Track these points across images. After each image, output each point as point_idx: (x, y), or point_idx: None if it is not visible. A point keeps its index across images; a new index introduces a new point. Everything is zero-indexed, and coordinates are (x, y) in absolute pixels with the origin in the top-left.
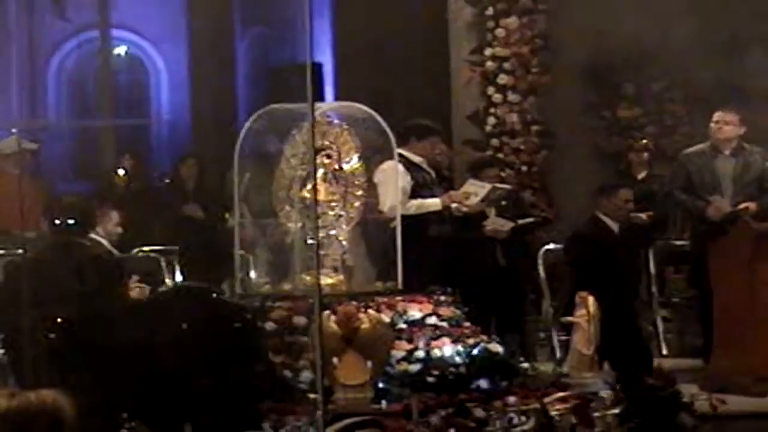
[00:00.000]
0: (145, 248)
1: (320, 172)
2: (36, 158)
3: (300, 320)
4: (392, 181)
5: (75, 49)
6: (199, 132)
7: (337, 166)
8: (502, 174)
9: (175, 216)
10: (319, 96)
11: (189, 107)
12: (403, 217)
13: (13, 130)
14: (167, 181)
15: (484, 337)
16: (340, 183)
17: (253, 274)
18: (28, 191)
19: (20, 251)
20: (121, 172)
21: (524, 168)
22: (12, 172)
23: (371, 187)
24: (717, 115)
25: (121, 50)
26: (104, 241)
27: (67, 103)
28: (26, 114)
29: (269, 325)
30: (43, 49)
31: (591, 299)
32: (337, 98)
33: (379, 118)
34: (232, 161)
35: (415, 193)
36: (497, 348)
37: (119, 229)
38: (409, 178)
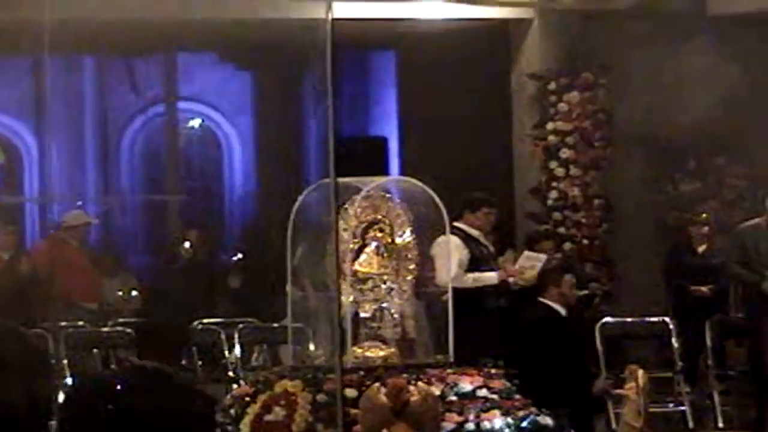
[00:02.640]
0: (205, 321)
1: (373, 245)
2: (101, 231)
3: (350, 392)
4: (449, 255)
5: (148, 121)
6: (265, 204)
7: (389, 240)
8: (565, 247)
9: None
10: (383, 169)
11: (257, 180)
12: (460, 290)
13: (78, 203)
14: (237, 257)
15: (534, 410)
16: (393, 256)
17: (312, 347)
18: (91, 264)
19: (80, 323)
20: (186, 245)
21: (585, 241)
22: (75, 245)
23: (425, 261)
24: None
25: (195, 123)
26: None
27: (138, 176)
28: (99, 186)
29: (320, 397)
30: (116, 121)
31: (640, 372)
32: (401, 171)
33: (432, 192)
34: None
35: (472, 267)
36: (547, 420)
37: None
38: (466, 251)
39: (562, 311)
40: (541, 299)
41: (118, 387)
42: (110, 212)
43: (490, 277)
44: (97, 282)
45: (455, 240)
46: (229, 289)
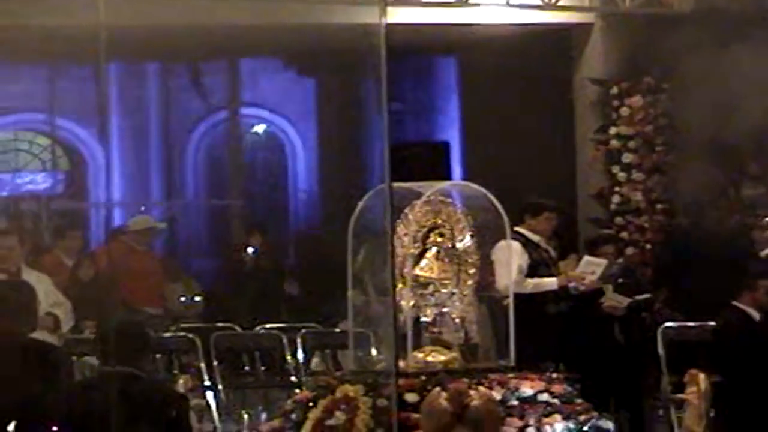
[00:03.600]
0: (268, 325)
1: (434, 250)
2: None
3: (411, 397)
4: (510, 260)
5: (212, 127)
6: (327, 210)
7: (450, 245)
8: (627, 251)
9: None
10: (446, 174)
11: (320, 185)
12: (521, 295)
13: (142, 208)
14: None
15: (595, 414)
16: (453, 261)
17: (373, 351)
18: (155, 269)
19: None
20: (250, 250)
21: (648, 246)
22: (140, 249)
23: (485, 266)
24: None
25: (259, 128)
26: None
27: (202, 181)
28: (164, 192)
29: (381, 402)
30: (181, 127)
31: (702, 376)
32: (464, 177)
33: (492, 197)
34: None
35: (533, 272)
36: (608, 425)
37: None
38: (527, 256)
39: (756, 315)
40: (736, 303)
41: (89, 393)
42: (174, 217)
43: (551, 282)
44: (161, 287)
45: (516, 245)
46: (291, 294)
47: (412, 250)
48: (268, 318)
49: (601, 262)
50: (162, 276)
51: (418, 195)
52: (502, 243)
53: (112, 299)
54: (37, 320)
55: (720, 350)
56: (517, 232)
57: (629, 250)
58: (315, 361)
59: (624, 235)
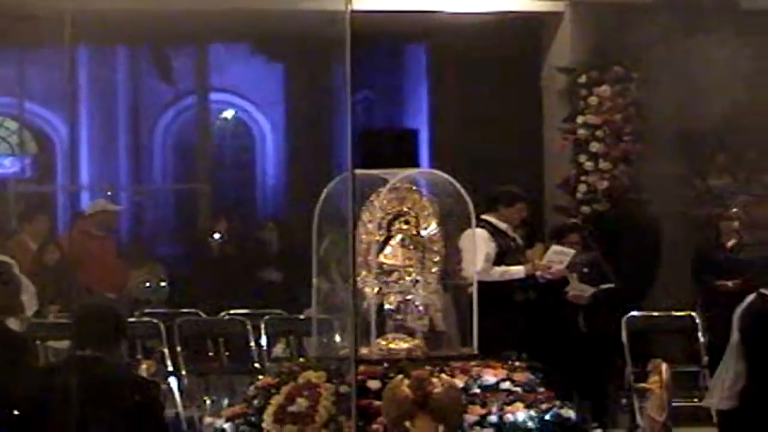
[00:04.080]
0: (232, 311)
1: (398, 237)
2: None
3: (374, 384)
4: (477, 248)
5: (180, 112)
6: (294, 196)
7: (414, 232)
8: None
9: (254, 280)
10: (414, 161)
11: (289, 170)
12: (487, 283)
13: (108, 193)
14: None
15: (557, 403)
16: (418, 248)
17: (337, 338)
18: (112, 253)
19: None
20: (216, 236)
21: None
22: (98, 234)
23: (451, 253)
24: None
25: (228, 114)
26: None
27: (170, 167)
28: (131, 177)
29: (344, 388)
30: (149, 112)
31: (664, 366)
32: (431, 164)
33: (458, 185)
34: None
35: (500, 260)
36: (570, 413)
37: None
38: (494, 244)
39: None
40: (764, 291)
41: (52, 378)
42: (141, 203)
43: (518, 270)
44: (122, 272)
45: (483, 233)
46: (272, 280)
47: (376, 237)
48: (240, 304)
49: (569, 252)
50: (120, 261)
51: (384, 182)
52: (469, 231)
53: (74, 284)
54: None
55: (747, 337)
56: (485, 220)
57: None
58: (279, 348)
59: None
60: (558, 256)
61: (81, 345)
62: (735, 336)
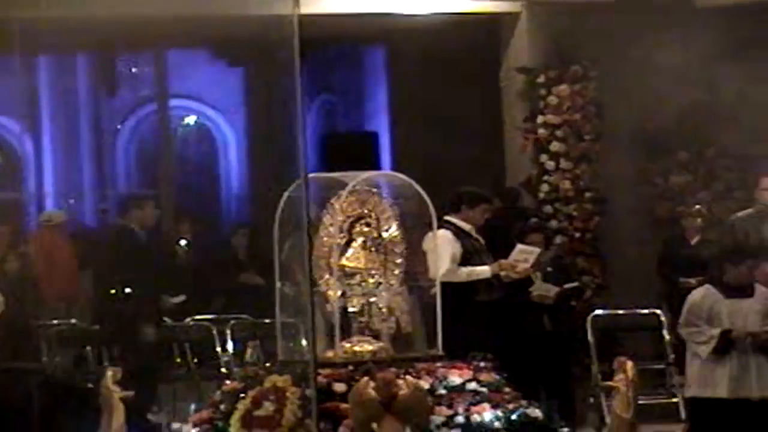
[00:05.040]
0: (198, 317)
1: (360, 240)
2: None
3: (340, 387)
4: (440, 249)
5: (142, 120)
6: (259, 200)
7: (376, 234)
8: (556, 240)
9: (228, 285)
10: (375, 163)
11: (252, 175)
12: (451, 285)
13: (71, 201)
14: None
15: (524, 402)
16: (380, 251)
17: (304, 342)
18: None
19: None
20: (182, 242)
21: (577, 234)
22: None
23: (414, 255)
24: (765, 182)
25: (190, 120)
26: None
27: (134, 174)
28: (95, 184)
29: (309, 392)
30: (111, 120)
31: (629, 363)
32: (392, 166)
33: (418, 187)
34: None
35: (464, 261)
36: (536, 413)
37: None
38: (459, 245)
39: None
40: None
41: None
42: (105, 210)
43: (483, 270)
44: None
45: (447, 234)
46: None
47: (338, 240)
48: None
49: (534, 250)
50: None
51: (344, 185)
52: (433, 232)
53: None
54: None
55: None
56: (448, 222)
57: (558, 239)
58: (249, 352)
59: (552, 223)
60: (522, 255)
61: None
62: None
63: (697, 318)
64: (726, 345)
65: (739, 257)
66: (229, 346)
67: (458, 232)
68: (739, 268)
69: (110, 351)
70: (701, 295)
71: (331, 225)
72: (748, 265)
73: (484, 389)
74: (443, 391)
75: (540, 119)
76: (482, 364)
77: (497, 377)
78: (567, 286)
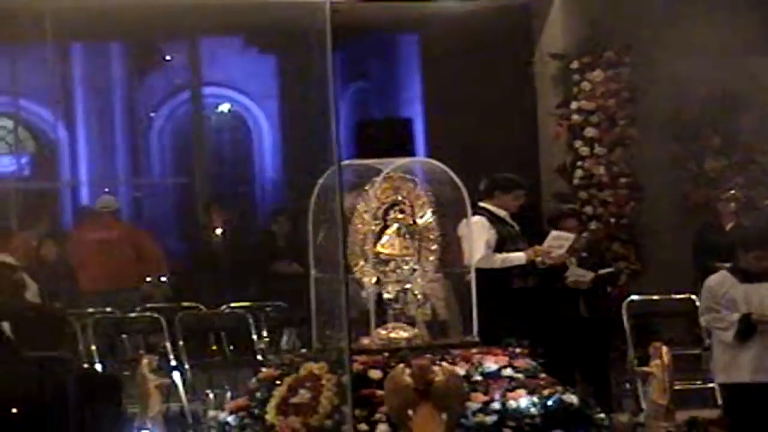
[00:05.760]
0: (233, 305)
1: (394, 226)
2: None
3: (375, 374)
4: (476, 236)
5: (176, 107)
6: (294, 188)
7: (410, 221)
8: (591, 226)
9: (265, 273)
10: (409, 150)
11: (286, 163)
12: (488, 271)
13: (106, 189)
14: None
15: (560, 388)
16: (414, 238)
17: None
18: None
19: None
20: (218, 231)
21: (612, 220)
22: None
23: (449, 242)
24: None
25: (224, 107)
26: None
27: (168, 162)
28: (129, 173)
29: (345, 379)
30: (145, 108)
31: (665, 349)
32: (427, 153)
33: (452, 173)
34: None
35: (499, 247)
36: (572, 399)
37: None
38: (494, 231)
39: None
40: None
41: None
42: (140, 198)
43: (518, 257)
44: (127, 268)
45: (482, 220)
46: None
47: (372, 227)
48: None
49: (569, 236)
50: (125, 257)
51: (378, 172)
52: (471, 218)
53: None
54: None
55: None
56: (483, 208)
57: (592, 225)
58: (284, 340)
59: (588, 209)
60: (557, 241)
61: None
62: None
63: (715, 304)
64: (748, 329)
65: (757, 243)
66: (265, 333)
67: (493, 218)
68: (756, 253)
69: (146, 339)
70: (717, 281)
71: (366, 212)
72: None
73: (519, 375)
74: (479, 378)
75: (574, 105)
76: (518, 350)
77: (533, 363)
78: (602, 271)
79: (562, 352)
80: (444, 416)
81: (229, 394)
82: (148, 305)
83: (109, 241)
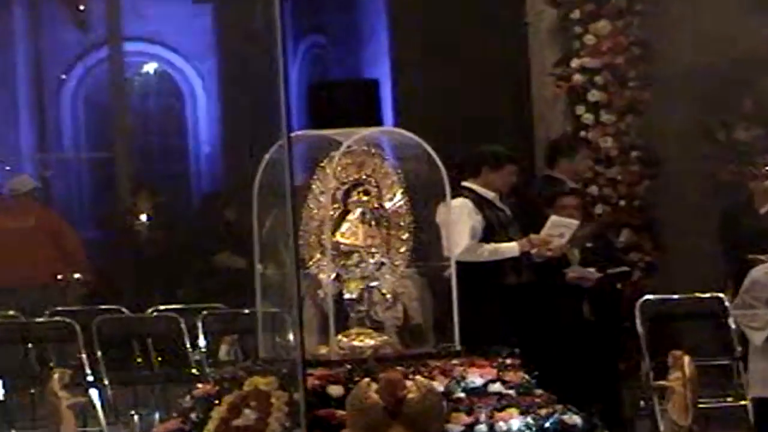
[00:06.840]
0: (162, 307)
1: (357, 211)
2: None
3: (335, 390)
4: (459, 222)
5: (92, 67)
6: (233, 163)
7: (376, 205)
8: (597, 209)
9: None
10: (375, 118)
11: (225, 134)
12: (472, 265)
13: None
14: None
15: (559, 407)
16: (382, 225)
17: (291, 336)
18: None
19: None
20: (144, 217)
21: (623, 202)
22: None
23: (423, 230)
24: None
25: (151, 68)
26: None
27: (83, 133)
28: (35, 145)
29: (298, 397)
30: (55, 68)
31: (687, 359)
32: (396, 121)
33: (427, 146)
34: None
35: (487, 235)
36: (575, 420)
37: None
38: (480, 217)
39: None
40: None
41: None
42: (48, 177)
43: (510, 248)
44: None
45: (466, 203)
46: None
47: (330, 212)
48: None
49: (571, 223)
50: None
51: (338, 145)
52: (450, 201)
53: None
54: None
55: None
56: (467, 188)
57: (598, 208)
58: (223, 349)
59: (592, 189)
60: (557, 229)
61: None
62: None
63: (755, 299)
64: None
65: None
66: (201, 341)
67: (479, 200)
68: None
69: (57, 349)
70: (765, 271)
71: (322, 193)
72: None
73: (510, 391)
74: (461, 395)
75: (575, 63)
76: (508, 361)
77: (526, 377)
78: (611, 271)
79: (562, 363)
80: None
81: (157, 416)
82: (59, 308)
83: (21, 230)
